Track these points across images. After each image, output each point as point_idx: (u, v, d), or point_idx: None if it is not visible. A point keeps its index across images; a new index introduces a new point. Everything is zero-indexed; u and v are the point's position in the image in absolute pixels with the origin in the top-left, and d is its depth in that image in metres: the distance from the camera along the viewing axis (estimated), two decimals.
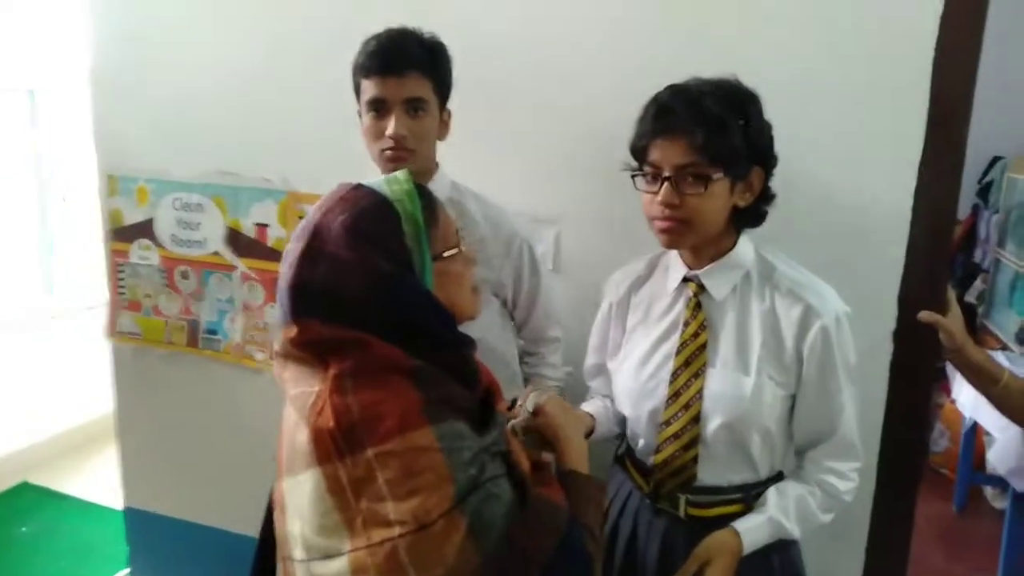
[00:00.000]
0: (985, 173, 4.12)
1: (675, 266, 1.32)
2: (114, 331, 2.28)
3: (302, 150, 1.97)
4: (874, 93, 1.48)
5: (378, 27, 1.46)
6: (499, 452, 0.94)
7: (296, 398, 0.93)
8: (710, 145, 1.13)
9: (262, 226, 2.05)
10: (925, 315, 1.42)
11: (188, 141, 2.08)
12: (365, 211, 0.94)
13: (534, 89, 1.70)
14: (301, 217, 1.99)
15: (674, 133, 1.15)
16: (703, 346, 1.26)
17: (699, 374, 1.25)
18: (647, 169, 1.21)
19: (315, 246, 0.93)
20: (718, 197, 1.17)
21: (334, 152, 1.92)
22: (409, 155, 1.41)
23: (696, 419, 1.24)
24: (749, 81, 1.22)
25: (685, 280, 1.29)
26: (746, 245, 1.27)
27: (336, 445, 0.87)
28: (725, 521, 1.24)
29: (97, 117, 2.19)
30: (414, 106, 1.40)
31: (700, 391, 1.24)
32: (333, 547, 0.87)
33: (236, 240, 2.08)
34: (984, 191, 4.14)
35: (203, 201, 2.09)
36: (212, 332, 2.17)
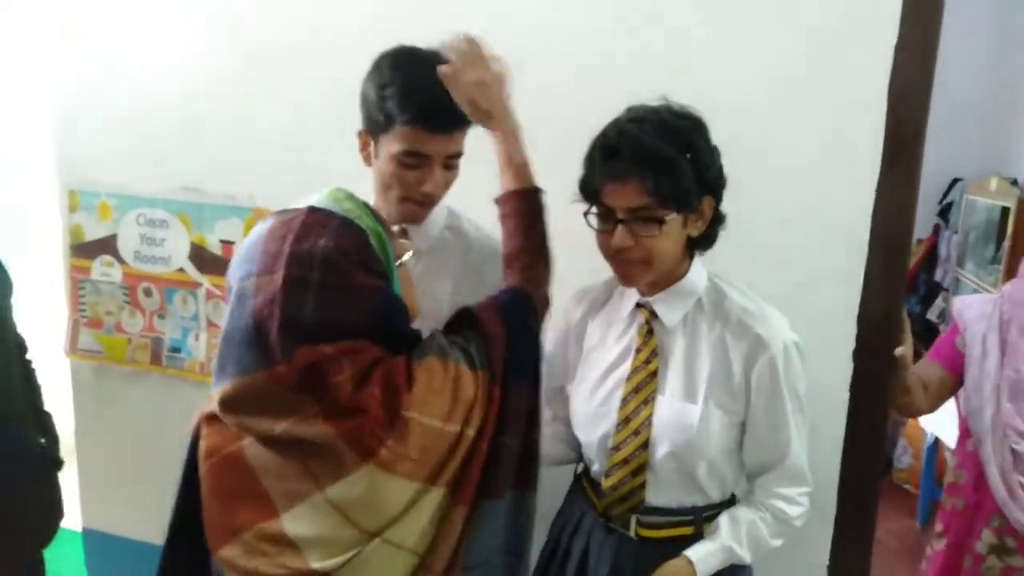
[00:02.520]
0: (945, 194, 4.23)
1: (629, 291, 1.32)
2: (74, 349, 2.24)
3: (268, 167, 1.95)
4: (831, 118, 1.52)
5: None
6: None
7: (293, 425, 0.93)
8: (661, 188, 1.13)
9: (228, 243, 2.03)
10: (901, 351, 1.51)
11: (153, 156, 2.06)
12: (341, 234, 0.96)
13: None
14: None
15: (623, 177, 1.14)
16: (654, 373, 1.26)
17: (648, 401, 1.25)
18: (599, 209, 1.21)
19: (298, 276, 0.93)
20: (672, 235, 1.18)
21: (301, 169, 1.91)
22: (431, 208, 1.36)
23: (645, 446, 1.24)
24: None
25: (638, 306, 1.29)
26: (699, 271, 1.28)
27: (382, 427, 0.93)
28: (675, 542, 1.24)
29: (59, 129, 2.16)
30: (452, 161, 1.32)
31: (649, 418, 1.24)
32: (413, 502, 0.95)
33: (201, 257, 2.06)
34: (945, 212, 4.25)
35: (167, 217, 2.07)
36: (176, 350, 2.14)
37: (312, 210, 0.99)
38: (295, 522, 0.94)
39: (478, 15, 1.71)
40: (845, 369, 1.55)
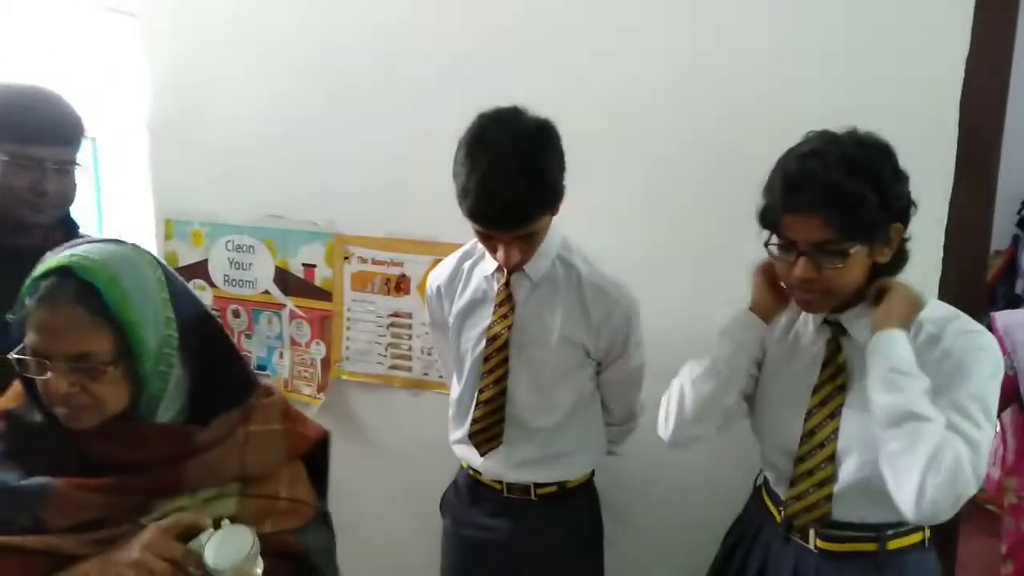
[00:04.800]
0: None
1: None
2: None
3: (347, 195, 2.06)
4: (903, 131, 1.49)
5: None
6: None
7: None
8: (846, 223, 1.11)
9: (309, 266, 2.14)
10: None
11: (240, 187, 2.18)
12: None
13: (602, 135, 1.72)
14: (346, 258, 2.09)
15: (807, 211, 1.13)
16: (841, 387, 1.24)
17: (835, 415, 1.23)
18: (780, 240, 1.19)
19: None
20: (856, 266, 1.16)
21: (378, 197, 2.01)
22: (521, 265, 1.40)
23: (831, 458, 1.23)
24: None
25: (826, 322, 1.28)
26: None
27: None
28: (856, 556, 1.24)
29: (154, 164, 2.31)
30: (525, 239, 1.33)
31: (836, 431, 1.23)
32: None
33: (285, 280, 2.17)
34: None
35: (254, 243, 2.19)
36: (262, 368, 2.25)
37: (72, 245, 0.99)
38: None
39: (543, 65, 1.77)
40: None
